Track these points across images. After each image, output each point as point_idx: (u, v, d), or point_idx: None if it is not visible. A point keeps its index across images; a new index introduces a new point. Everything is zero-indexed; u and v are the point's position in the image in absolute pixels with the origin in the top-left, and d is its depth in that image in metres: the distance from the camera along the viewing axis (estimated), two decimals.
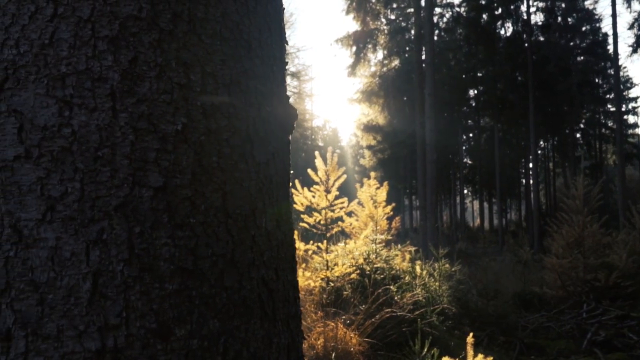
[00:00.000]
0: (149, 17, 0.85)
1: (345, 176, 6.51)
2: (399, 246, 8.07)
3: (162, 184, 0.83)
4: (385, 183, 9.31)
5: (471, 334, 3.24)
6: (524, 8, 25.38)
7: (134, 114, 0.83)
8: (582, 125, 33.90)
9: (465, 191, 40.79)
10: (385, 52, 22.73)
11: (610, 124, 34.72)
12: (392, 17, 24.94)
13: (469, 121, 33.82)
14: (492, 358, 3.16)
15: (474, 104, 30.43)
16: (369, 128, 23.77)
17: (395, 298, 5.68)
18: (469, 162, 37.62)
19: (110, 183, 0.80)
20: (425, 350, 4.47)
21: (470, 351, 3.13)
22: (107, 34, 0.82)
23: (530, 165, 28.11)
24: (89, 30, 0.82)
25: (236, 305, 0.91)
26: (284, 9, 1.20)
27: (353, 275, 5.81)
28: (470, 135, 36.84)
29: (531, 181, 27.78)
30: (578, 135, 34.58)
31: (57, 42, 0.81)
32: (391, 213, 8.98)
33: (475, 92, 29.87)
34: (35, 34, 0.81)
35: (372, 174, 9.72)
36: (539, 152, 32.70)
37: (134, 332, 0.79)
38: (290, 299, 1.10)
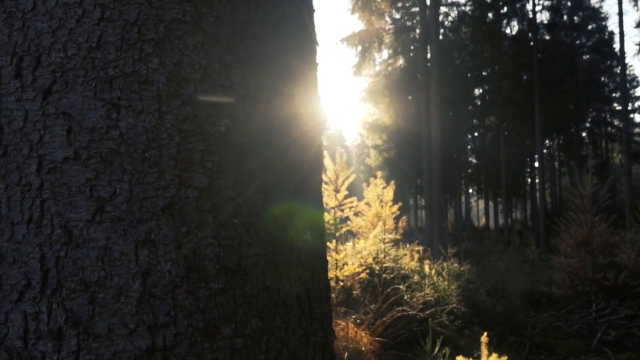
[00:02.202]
0: (193, 20, 0.86)
1: (354, 176, 6.51)
2: (408, 245, 8.07)
3: (207, 184, 0.84)
4: (392, 182, 9.31)
5: (485, 334, 3.24)
6: (529, 6, 25.32)
7: (180, 116, 0.84)
8: (588, 124, 33.77)
9: (470, 190, 40.69)
10: (391, 51, 22.73)
11: (616, 122, 34.57)
12: (397, 16, 24.94)
13: (474, 120, 33.76)
14: (506, 357, 3.16)
15: (479, 103, 30.39)
16: (375, 127, 23.78)
17: (405, 297, 5.69)
18: (474, 161, 37.53)
19: (157, 184, 0.81)
20: (437, 349, 4.47)
21: (484, 350, 3.13)
22: (153, 37, 0.83)
23: (536, 164, 28.03)
24: (135, 34, 0.83)
25: (276, 304, 0.92)
26: (314, 10, 1.21)
27: (362, 275, 5.82)
28: (475, 134, 36.75)
29: (537, 180, 27.70)
30: (584, 134, 34.45)
31: (104, 45, 0.82)
32: (398, 212, 8.98)
33: (481, 91, 29.83)
34: (82, 37, 0.82)
35: (379, 173, 9.73)
36: (545, 151, 32.60)
37: (182, 331, 0.80)
38: (324, 298, 1.11)
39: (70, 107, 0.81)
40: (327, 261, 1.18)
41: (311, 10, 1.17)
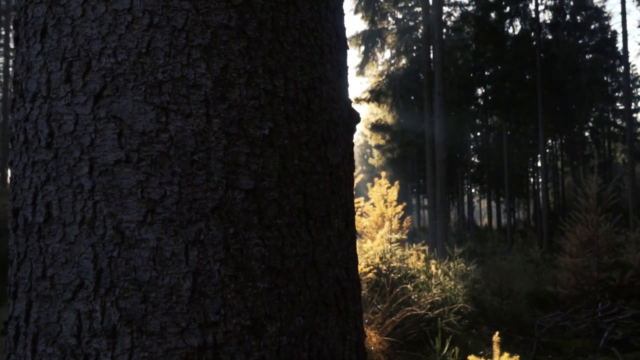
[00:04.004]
0: (238, 25, 0.88)
1: (360, 176, 6.53)
2: (414, 245, 8.09)
3: (253, 186, 0.87)
4: (397, 183, 9.32)
5: (497, 333, 3.26)
6: (532, 6, 25.31)
7: (226, 120, 0.86)
8: (590, 124, 33.72)
9: (473, 190, 40.68)
10: (394, 51, 22.74)
11: (619, 122, 34.52)
12: (400, 16, 24.93)
13: (477, 120, 33.73)
14: (517, 357, 3.18)
15: (481, 103, 30.36)
16: (378, 127, 23.79)
17: (413, 297, 5.70)
18: (477, 161, 37.51)
19: (205, 186, 0.84)
20: (446, 349, 4.49)
21: (496, 350, 3.15)
22: (200, 43, 0.86)
23: (539, 164, 28.00)
24: (183, 39, 0.85)
25: (317, 303, 0.94)
26: (344, 14, 1.23)
27: (370, 275, 5.83)
28: (478, 134, 36.73)
29: (540, 180, 27.68)
30: (587, 133, 34.40)
31: (153, 50, 0.84)
32: (402, 212, 8.99)
33: (483, 90, 29.79)
34: (132, 43, 0.85)
35: (383, 173, 9.74)
36: (547, 150, 32.54)
37: (231, 329, 0.82)
38: (357, 298, 1.13)
39: (121, 111, 0.84)
40: (357, 260, 1.20)
41: (342, 13, 1.19)
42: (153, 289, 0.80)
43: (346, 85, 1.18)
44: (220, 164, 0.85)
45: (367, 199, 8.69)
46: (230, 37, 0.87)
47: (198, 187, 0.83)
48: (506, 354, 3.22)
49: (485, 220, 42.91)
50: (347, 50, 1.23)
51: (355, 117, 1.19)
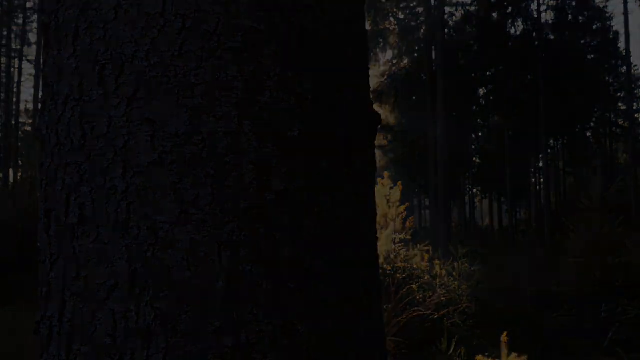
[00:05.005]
0: (267, 28, 0.89)
1: None
2: (418, 246, 8.10)
3: (283, 188, 0.88)
4: (399, 183, 9.32)
5: (505, 333, 3.27)
6: (534, 7, 25.32)
7: (257, 122, 0.87)
8: (592, 124, 33.69)
9: (475, 190, 40.66)
10: (395, 51, 22.80)
11: (621, 122, 34.48)
12: (402, 16, 24.95)
13: (479, 120, 33.72)
14: (526, 357, 3.18)
15: (483, 103, 30.36)
16: (380, 128, 23.88)
17: (418, 298, 5.71)
18: (478, 161, 37.49)
19: (237, 187, 0.85)
20: (452, 349, 4.50)
21: (504, 350, 3.16)
22: (232, 46, 0.87)
23: (541, 164, 28.00)
24: (215, 43, 0.86)
25: (343, 304, 0.95)
26: (365, 16, 1.24)
27: None
28: (480, 134, 36.72)
29: (541, 180, 27.68)
30: (589, 134, 34.38)
31: (186, 53, 0.85)
32: (405, 213, 8.99)
33: (485, 91, 29.80)
34: (164, 46, 0.86)
35: (386, 173, 9.74)
36: (549, 151, 32.53)
37: (263, 329, 0.83)
38: (379, 298, 1.14)
39: (154, 113, 0.85)
40: (379, 262, 1.21)
41: (364, 15, 1.20)
42: (187, 289, 0.81)
43: (368, 87, 1.19)
44: (251, 166, 0.86)
45: None
46: (260, 41, 0.89)
47: (230, 189, 0.84)
48: (514, 354, 3.23)
49: (487, 221, 42.89)
50: (369, 52, 1.25)
51: (376, 119, 1.20)
